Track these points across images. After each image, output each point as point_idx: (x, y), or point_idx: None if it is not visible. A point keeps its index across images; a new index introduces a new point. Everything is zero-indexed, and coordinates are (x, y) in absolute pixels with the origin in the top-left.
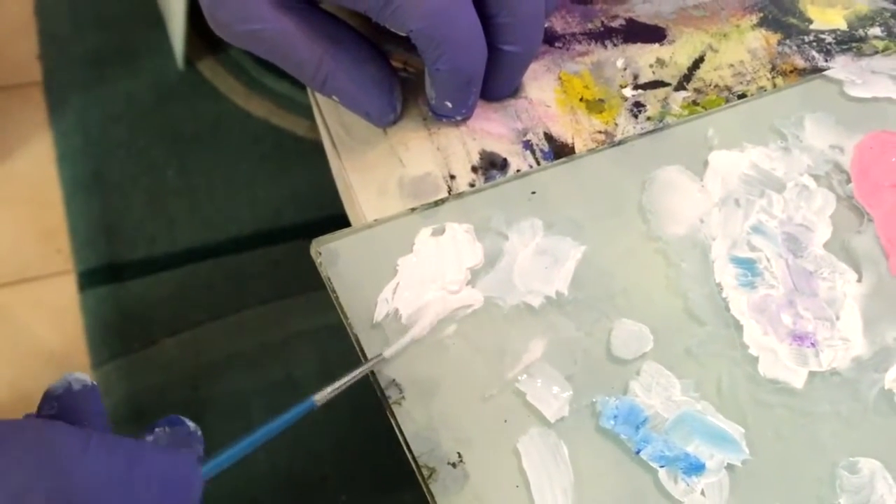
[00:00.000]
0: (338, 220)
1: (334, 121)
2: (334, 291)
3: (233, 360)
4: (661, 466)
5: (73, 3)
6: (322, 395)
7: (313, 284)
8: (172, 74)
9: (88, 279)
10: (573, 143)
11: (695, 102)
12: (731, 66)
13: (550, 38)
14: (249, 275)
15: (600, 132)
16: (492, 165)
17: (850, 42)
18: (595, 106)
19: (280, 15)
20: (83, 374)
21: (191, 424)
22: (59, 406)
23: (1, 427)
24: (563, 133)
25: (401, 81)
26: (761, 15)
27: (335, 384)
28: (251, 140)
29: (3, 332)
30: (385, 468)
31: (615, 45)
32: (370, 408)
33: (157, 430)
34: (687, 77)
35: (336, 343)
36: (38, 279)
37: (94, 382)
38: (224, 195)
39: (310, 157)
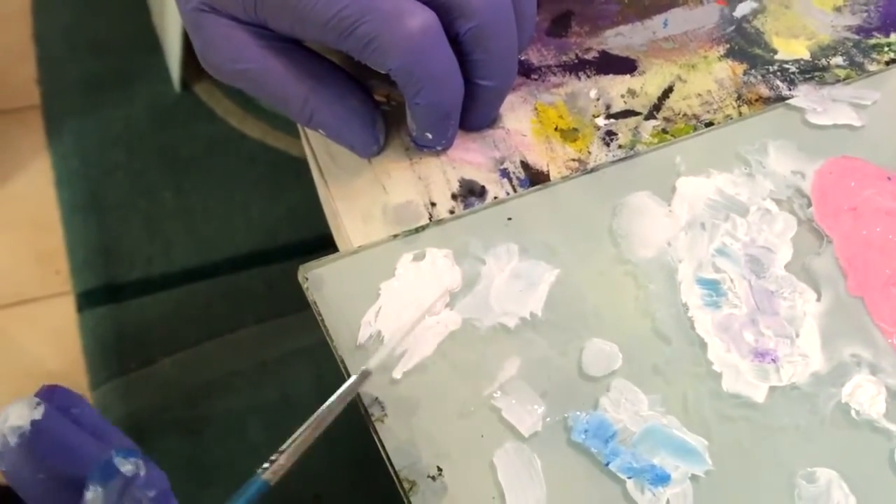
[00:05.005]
0: (332, 240)
1: (322, 150)
2: (320, 315)
3: (230, 378)
4: (629, 478)
5: (70, 29)
6: (274, 472)
7: (308, 303)
8: (169, 97)
9: (86, 300)
10: (548, 171)
11: (664, 131)
12: (699, 95)
13: (527, 70)
14: (246, 294)
15: (574, 160)
16: (471, 193)
17: (813, 71)
18: (569, 135)
19: (267, 55)
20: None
21: (127, 469)
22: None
23: None
24: (539, 161)
25: (383, 115)
26: (728, 46)
27: (284, 450)
28: (247, 161)
29: (1, 353)
30: (379, 487)
31: (588, 76)
32: (364, 427)
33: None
34: (657, 106)
35: (332, 361)
36: (37, 300)
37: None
38: (220, 215)
39: (305, 178)
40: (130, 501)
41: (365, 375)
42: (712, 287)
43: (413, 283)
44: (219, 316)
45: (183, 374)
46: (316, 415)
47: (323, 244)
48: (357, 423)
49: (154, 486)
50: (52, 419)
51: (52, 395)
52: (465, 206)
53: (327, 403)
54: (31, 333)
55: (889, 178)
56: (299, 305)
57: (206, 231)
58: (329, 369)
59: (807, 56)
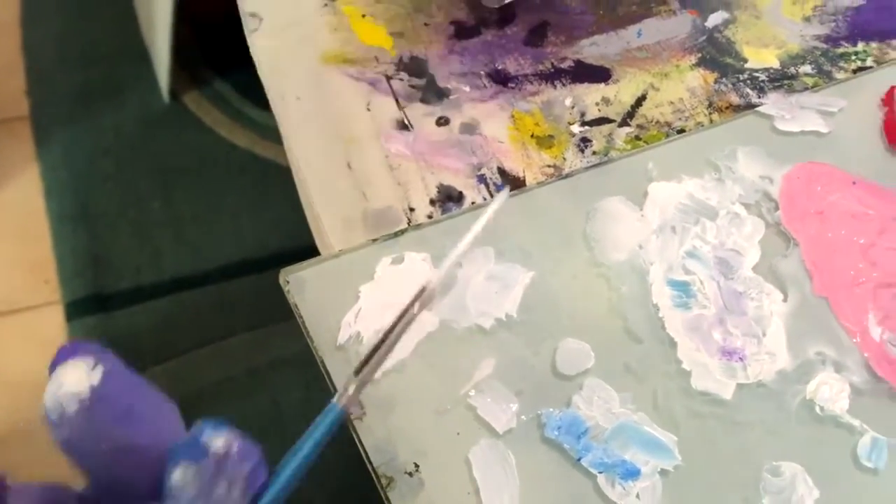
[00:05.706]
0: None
1: (304, 160)
2: (301, 317)
3: (220, 387)
4: (601, 472)
5: (59, 40)
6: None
7: None
8: (158, 108)
9: (75, 310)
10: (524, 177)
11: (637, 137)
12: (671, 103)
13: (504, 79)
14: (235, 303)
15: (549, 166)
16: (448, 198)
17: (782, 80)
18: (545, 142)
19: None
20: None
21: (218, 445)
22: None
23: None
24: (515, 167)
25: None
26: (700, 55)
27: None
28: (236, 170)
29: None
30: (357, 484)
31: (564, 85)
32: (343, 425)
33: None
34: (630, 114)
35: (319, 367)
36: (26, 310)
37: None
38: (209, 225)
39: (293, 187)
40: (225, 479)
41: (424, 295)
42: (682, 288)
43: (392, 286)
44: (208, 324)
45: (173, 383)
46: (392, 336)
47: (312, 252)
48: (346, 432)
49: (248, 458)
50: (114, 381)
51: (75, 354)
52: (443, 211)
53: (401, 322)
54: (19, 343)
55: (854, 183)
56: (289, 313)
57: (195, 240)
58: (319, 376)
59: (776, 65)
